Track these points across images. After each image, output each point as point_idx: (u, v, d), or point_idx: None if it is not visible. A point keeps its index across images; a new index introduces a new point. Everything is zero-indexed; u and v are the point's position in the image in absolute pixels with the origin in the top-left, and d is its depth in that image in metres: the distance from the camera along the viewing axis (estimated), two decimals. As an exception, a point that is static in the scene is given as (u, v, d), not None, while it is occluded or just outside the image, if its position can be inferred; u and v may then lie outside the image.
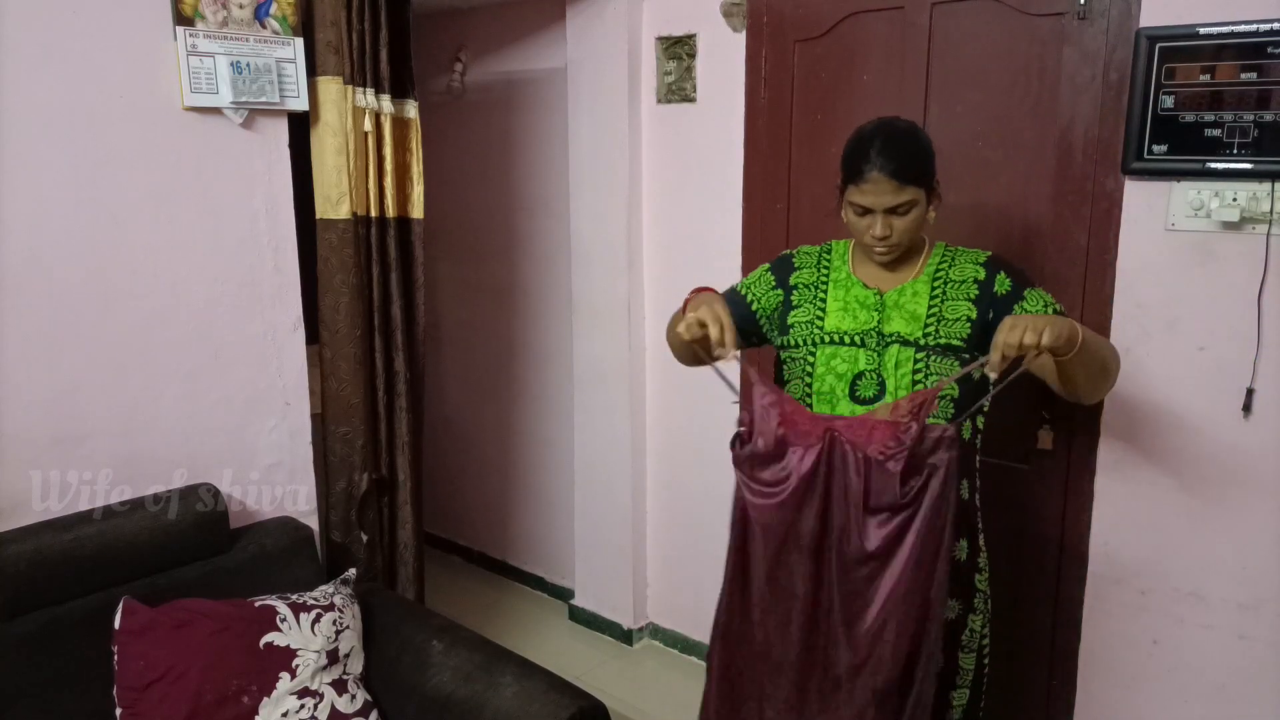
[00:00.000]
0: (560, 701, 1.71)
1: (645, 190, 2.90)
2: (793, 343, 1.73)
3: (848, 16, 2.37)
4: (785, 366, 1.75)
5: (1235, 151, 1.84)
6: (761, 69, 2.56)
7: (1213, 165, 1.87)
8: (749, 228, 2.66)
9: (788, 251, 1.83)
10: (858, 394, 1.64)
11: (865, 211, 1.61)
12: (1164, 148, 1.92)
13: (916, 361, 1.63)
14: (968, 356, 1.64)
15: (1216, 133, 1.86)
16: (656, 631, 3.18)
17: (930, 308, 1.65)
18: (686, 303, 1.65)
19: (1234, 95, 1.83)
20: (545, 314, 3.39)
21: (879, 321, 1.66)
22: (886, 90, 2.32)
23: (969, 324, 1.64)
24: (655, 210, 2.90)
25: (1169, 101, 1.90)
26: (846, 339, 1.67)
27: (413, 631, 1.96)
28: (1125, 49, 1.96)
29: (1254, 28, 1.79)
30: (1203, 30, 1.84)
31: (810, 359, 1.69)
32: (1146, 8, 1.93)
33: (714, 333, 1.51)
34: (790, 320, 1.74)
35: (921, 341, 1.63)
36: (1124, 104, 1.97)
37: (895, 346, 1.64)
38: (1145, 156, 1.94)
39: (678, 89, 2.76)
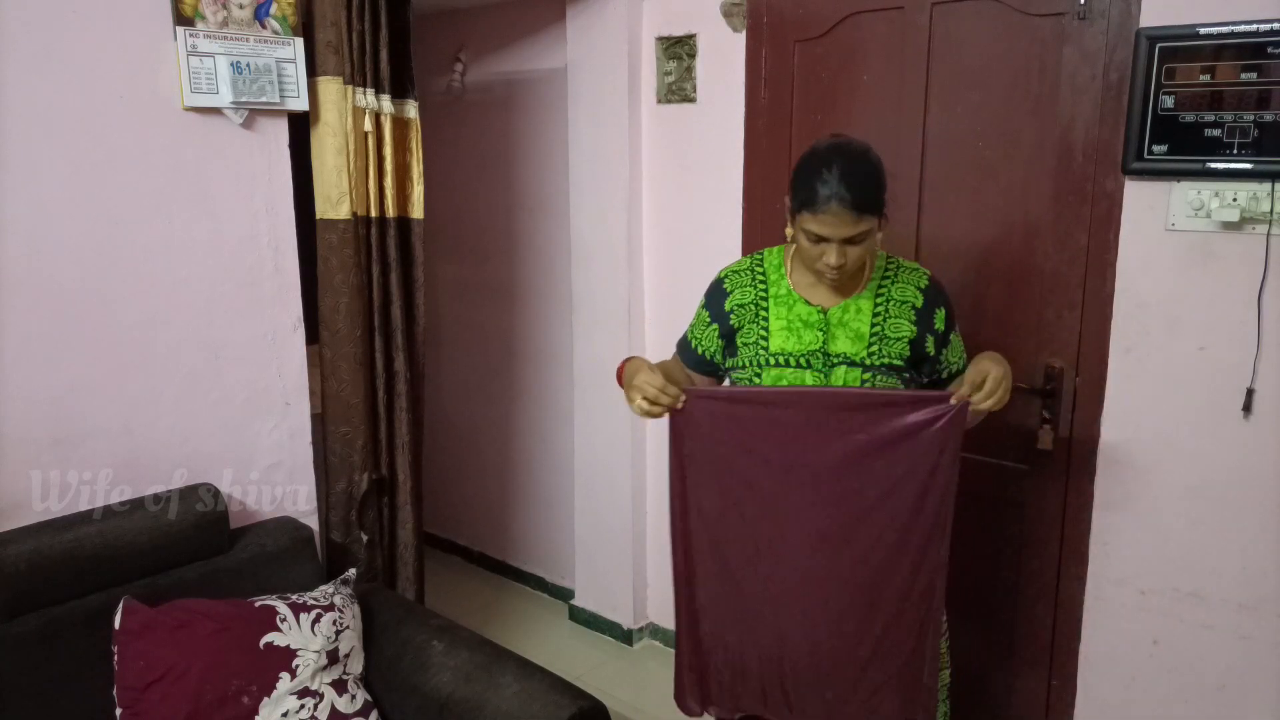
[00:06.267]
0: (560, 701, 1.71)
1: (645, 190, 2.90)
2: (740, 364, 1.72)
3: (848, 16, 2.37)
4: (733, 387, 1.75)
5: (1235, 151, 1.84)
6: (761, 69, 2.56)
7: (1213, 165, 1.87)
8: (749, 228, 2.65)
9: (718, 276, 1.80)
10: None
11: (820, 239, 1.57)
12: (1164, 148, 1.92)
13: (864, 382, 1.64)
14: (908, 376, 1.68)
15: (1216, 133, 1.85)
16: (656, 631, 3.18)
17: (873, 326, 1.66)
18: (620, 371, 1.70)
19: (1234, 95, 1.83)
20: (545, 314, 3.39)
21: (824, 341, 1.65)
22: (886, 90, 2.32)
23: (909, 344, 1.66)
24: (655, 210, 2.90)
25: (1169, 101, 1.90)
26: (792, 360, 1.66)
27: (413, 631, 1.96)
28: (1125, 49, 1.96)
29: (1254, 28, 1.79)
30: (1203, 30, 1.84)
31: (757, 381, 1.68)
32: (1146, 8, 1.93)
33: (666, 401, 1.59)
34: (739, 342, 1.73)
35: (867, 361, 1.64)
36: (1124, 104, 1.97)
37: (842, 367, 1.64)
38: (1145, 156, 1.94)
39: (678, 89, 2.76)
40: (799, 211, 1.58)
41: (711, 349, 1.77)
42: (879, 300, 1.67)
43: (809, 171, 1.57)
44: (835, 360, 1.64)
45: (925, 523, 1.58)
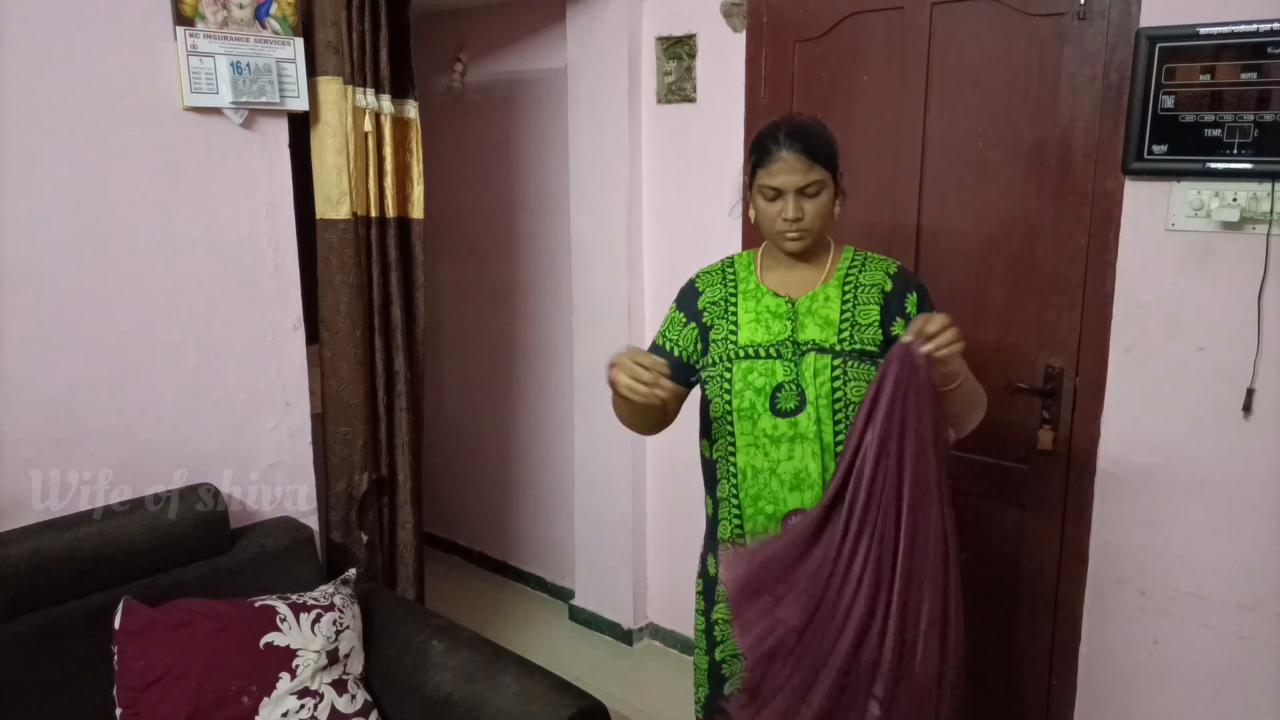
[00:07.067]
0: (560, 701, 1.71)
1: (645, 190, 2.90)
2: (710, 360, 1.70)
3: (848, 16, 2.37)
4: (706, 385, 1.71)
5: (1235, 151, 1.84)
6: (761, 69, 2.56)
7: (1213, 165, 1.87)
8: (749, 228, 2.65)
9: (690, 278, 1.80)
10: (779, 407, 1.62)
11: (776, 196, 1.61)
12: (1164, 148, 1.92)
13: (834, 369, 1.61)
14: (881, 362, 1.61)
15: (1216, 133, 1.86)
16: (656, 631, 3.18)
17: (843, 312, 1.64)
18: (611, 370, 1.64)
19: (1234, 95, 1.83)
20: (545, 314, 3.39)
21: (793, 330, 1.64)
22: (886, 90, 2.32)
23: (879, 329, 1.64)
24: (655, 210, 2.90)
25: (1169, 101, 1.90)
26: (761, 351, 1.64)
27: (413, 631, 1.96)
28: (1125, 49, 1.96)
29: (1254, 28, 1.79)
30: (1203, 30, 1.84)
31: (727, 375, 1.66)
32: (1146, 8, 1.93)
33: (649, 377, 1.51)
34: (711, 339, 1.72)
35: (837, 348, 1.62)
36: (1124, 104, 1.97)
37: (811, 355, 1.61)
38: (1145, 157, 1.94)
39: (678, 89, 2.76)
40: (755, 173, 1.63)
41: (689, 349, 1.75)
42: (847, 288, 1.66)
43: (760, 136, 1.65)
44: (805, 347, 1.62)
45: (923, 489, 1.46)
